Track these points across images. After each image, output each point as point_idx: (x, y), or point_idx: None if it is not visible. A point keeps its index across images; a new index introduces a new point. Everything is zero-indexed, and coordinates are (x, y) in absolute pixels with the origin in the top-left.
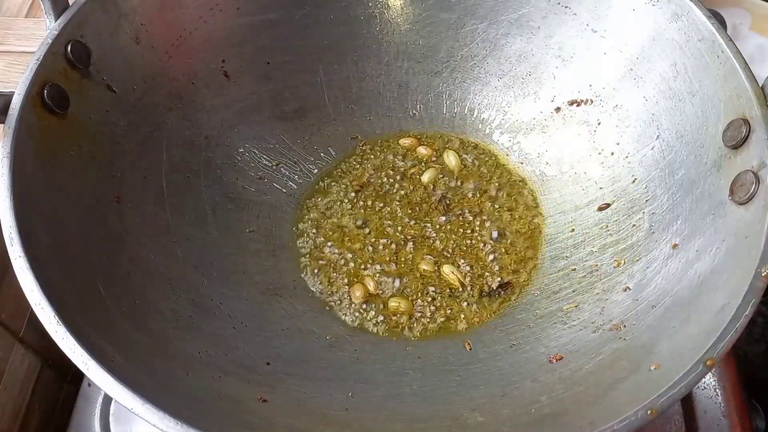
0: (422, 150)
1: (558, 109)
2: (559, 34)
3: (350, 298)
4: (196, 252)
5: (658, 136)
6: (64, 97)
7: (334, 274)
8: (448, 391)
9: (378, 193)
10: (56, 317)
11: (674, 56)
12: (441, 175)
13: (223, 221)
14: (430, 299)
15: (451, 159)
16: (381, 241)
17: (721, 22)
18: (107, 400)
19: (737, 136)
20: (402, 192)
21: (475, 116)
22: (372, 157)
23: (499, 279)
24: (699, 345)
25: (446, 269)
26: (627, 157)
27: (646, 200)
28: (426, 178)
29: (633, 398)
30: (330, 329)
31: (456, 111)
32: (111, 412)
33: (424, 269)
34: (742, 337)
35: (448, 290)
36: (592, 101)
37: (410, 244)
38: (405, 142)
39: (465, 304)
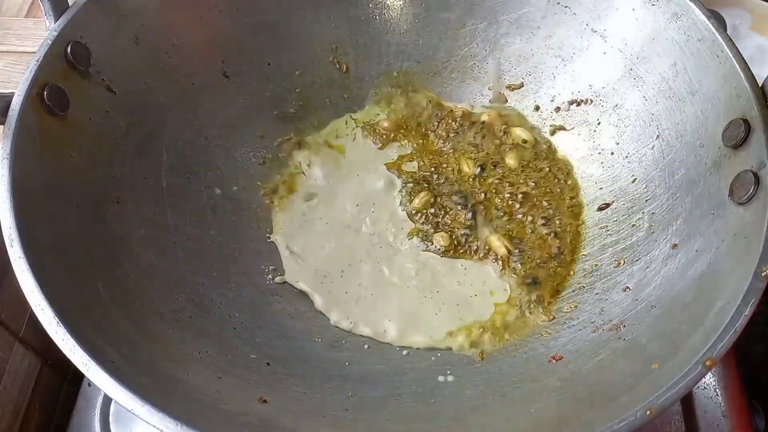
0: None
1: (558, 109)
2: (559, 34)
3: None
4: (196, 252)
5: (657, 135)
6: (64, 98)
7: None
8: (448, 391)
9: None
10: (56, 318)
11: (674, 56)
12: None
13: (223, 221)
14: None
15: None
16: None
17: (721, 22)
18: (107, 400)
19: (737, 136)
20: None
21: None
22: None
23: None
24: (698, 345)
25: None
26: (627, 156)
27: (646, 200)
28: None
29: (632, 398)
30: (330, 329)
31: None
32: (111, 411)
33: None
34: (742, 337)
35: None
36: (591, 101)
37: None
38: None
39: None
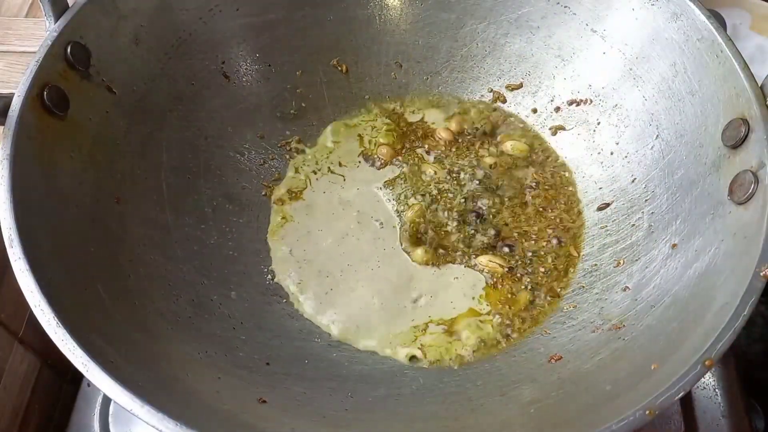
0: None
1: (557, 109)
2: (558, 34)
3: None
4: (196, 252)
5: (657, 135)
6: (64, 98)
7: None
8: (448, 391)
9: None
10: (56, 319)
11: (674, 56)
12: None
13: (223, 221)
14: None
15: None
16: None
17: (720, 22)
18: (107, 400)
19: (736, 136)
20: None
21: None
22: None
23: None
24: (698, 345)
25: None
26: (626, 156)
27: (646, 200)
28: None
29: (631, 398)
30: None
31: None
32: (110, 412)
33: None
34: (742, 337)
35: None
36: (591, 101)
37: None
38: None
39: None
